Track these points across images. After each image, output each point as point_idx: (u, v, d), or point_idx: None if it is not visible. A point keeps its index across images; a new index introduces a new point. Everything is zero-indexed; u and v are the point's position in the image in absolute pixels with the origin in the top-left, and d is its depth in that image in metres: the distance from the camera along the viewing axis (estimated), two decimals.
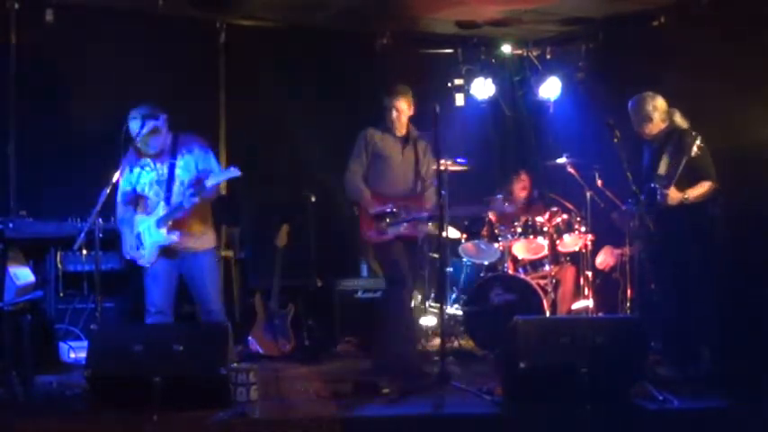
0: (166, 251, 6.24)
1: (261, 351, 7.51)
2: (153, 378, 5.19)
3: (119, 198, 6.34)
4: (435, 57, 9.38)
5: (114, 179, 6.00)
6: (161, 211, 6.20)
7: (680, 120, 6.67)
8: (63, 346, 7.21)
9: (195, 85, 8.26)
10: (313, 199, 8.18)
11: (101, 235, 6.26)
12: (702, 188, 6.45)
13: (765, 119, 7.18)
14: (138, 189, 6.30)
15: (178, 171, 6.27)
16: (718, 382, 6.04)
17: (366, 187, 6.70)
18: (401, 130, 6.77)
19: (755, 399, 5.61)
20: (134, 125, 6.14)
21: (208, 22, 8.49)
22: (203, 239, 6.38)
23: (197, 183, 6.20)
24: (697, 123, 6.80)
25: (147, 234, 6.22)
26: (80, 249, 6.99)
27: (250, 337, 7.56)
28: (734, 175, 7.15)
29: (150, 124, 6.13)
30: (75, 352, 7.09)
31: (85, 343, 6.02)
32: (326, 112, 8.78)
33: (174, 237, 6.17)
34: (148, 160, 6.29)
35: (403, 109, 6.72)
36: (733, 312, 6.80)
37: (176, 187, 6.25)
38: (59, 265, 7.44)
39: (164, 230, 6.17)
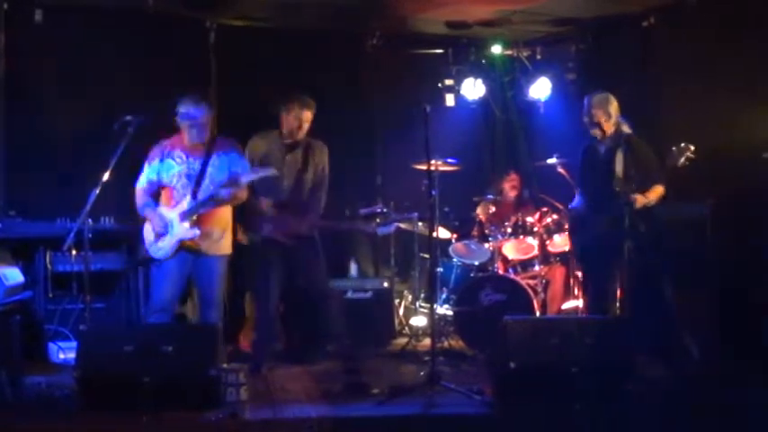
0: (184, 248, 6.22)
1: (251, 351, 7.49)
2: (142, 379, 5.19)
3: (143, 184, 6.33)
4: (425, 57, 9.39)
5: (104, 179, 5.98)
6: (186, 204, 6.20)
7: (626, 127, 6.78)
8: (52, 347, 7.18)
9: (185, 85, 8.18)
10: None
11: (90, 235, 6.25)
12: (658, 192, 6.58)
13: (756, 119, 7.20)
14: (166, 180, 6.28)
15: (211, 169, 6.28)
16: (707, 379, 6.08)
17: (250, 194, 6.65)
18: (296, 138, 6.86)
19: (745, 395, 5.66)
20: (182, 111, 6.25)
21: (198, 21, 8.47)
22: (220, 244, 6.38)
23: (231, 179, 6.21)
24: (686, 123, 6.83)
25: (170, 227, 6.21)
26: (69, 250, 6.97)
27: (240, 338, 7.55)
28: (724, 175, 7.18)
29: (196, 114, 6.24)
30: (65, 352, 7.07)
31: (75, 343, 6.01)
32: (316, 113, 8.76)
33: (197, 231, 6.18)
34: (180, 152, 6.31)
35: (309, 120, 6.87)
36: (724, 310, 6.83)
37: (206, 184, 6.25)
38: (49, 266, 7.41)
39: (186, 224, 6.18)
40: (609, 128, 6.77)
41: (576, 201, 7.12)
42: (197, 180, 6.24)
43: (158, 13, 8.08)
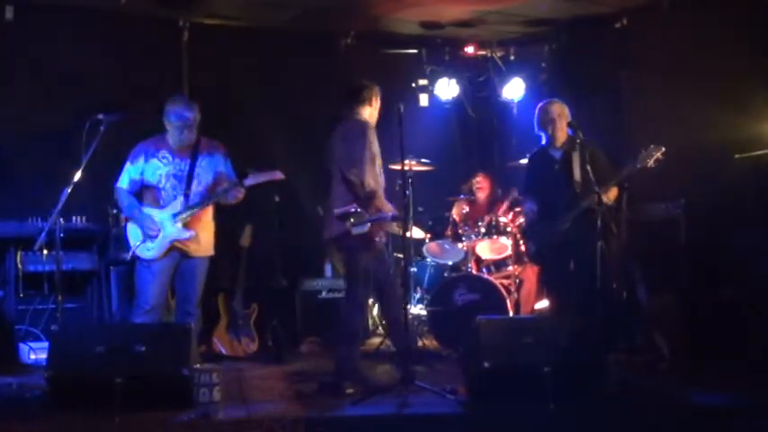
0: (174, 248, 6.24)
1: (224, 351, 7.48)
2: (115, 379, 5.15)
3: (124, 184, 6.30)
4: (399, 57, 9.40)
5: (76, 178, 5.94)
6: (179, 205, 6.21)
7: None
8: (23, 347, 7.13)
9: (158, 84, 8.18)
10: (277, 199, 8.16)
11: (62, 235, 6.20)
12: (613, 193, 6.69)
13: (728, 120, 7.26)
14: (153, 180, 6.26)
15: (198, 170, 6.31)
16: (678, 377, 6.13)
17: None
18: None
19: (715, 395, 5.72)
20: (173, 112, 6.21)
21: (171, 20, 8.43)
22: (205, 246, 6.43)
23: (236, 182, 6.23)
24: (659, 124, 6.87)
25: (162, 228, 6.21)
26: (41, 249, 6.90)
27: (214, 338, 7.53)
28: (697, 176, 7.24)
29: (188, 115, 6.22)
30: (36, 353, 7.01)
31: (46, 344, 5.96)
32: (290, 112, 8.76)
33: (192, 233, 6.24)
34: (166, 153, 6.29)
35: None
36: (696, 310, 6.88)
37: (195, 185, 6.28)
38: (20, 266, 7.35)
39: (179, 225, 6.21)
40: (565, 133, 6.84)
41: (528, 206, 7.16)
42: (187, 182, 6.26)
43: (131, 12, 8.03)
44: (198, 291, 6.44)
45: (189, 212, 6.23)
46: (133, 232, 6.29)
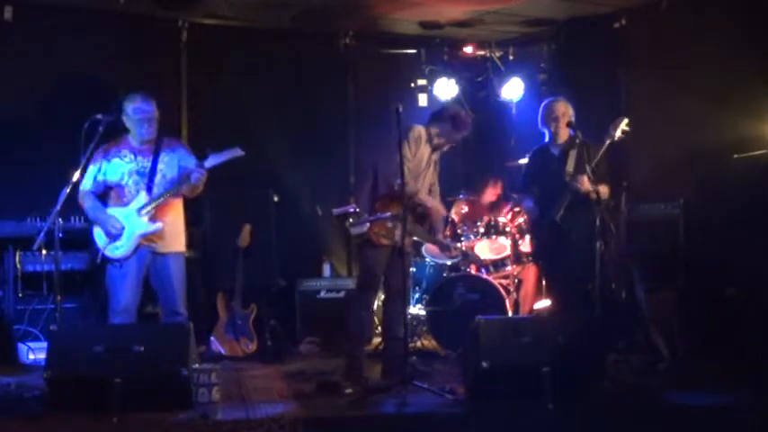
0: (143, 245, 6.14)
1: (223, 351, 7.48)
2: (113, 379, 5.14)
3: (88, 186, 6.18)
4: (398, 57, 9.40)
5: (74, 178, 5.92)
6: (143, 199, 6.12)
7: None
8: (22, 347, 7.13)
9: (157, 84, 8.18)
10: (276, 198, 8.15)
11: (60, 235, 6.20)
12: (605, 189, 6.62)
13: (726, 120, 7.26)
14: (115, 178, 6.17)
15: (161, 165, 6.22)
16: (677, 377, 6.13)
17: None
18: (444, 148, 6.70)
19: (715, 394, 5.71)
20: (132, 107, 6.16)
21: (170, 20, 8.43)
22: (175, 242, 6.32)
23: (197, 164, 6.14)
24: (658, 124, 6.87)
25: (127, 224, 6.11)
26: (39, 249, 6.92)
27: (212, 338, 7.53)
28: (695, 175, 7.23)
29: (147, 108, 6.17)
30: (35, 353, 7.02)
31: (45, 344, 5.95)
32: (289, 112, 8.76)
33: (159, 225, 6.12)
34: (127, 151, 6.22)
35: None
36: (695, 310, 6.88)
37: (158, 179, 6.19)
38: (18, 266, 7.35)
39: (145, 218, 6.12)
40: (567, 132, 6.82)
41: (526, 204, 7.14)
42: (150, 177, 6.17)
43: (130, 12, 8.04)
44: (178, 289, 6.30)
45: (153, 204, 6.12)
46: (98, 235, 6.17)
